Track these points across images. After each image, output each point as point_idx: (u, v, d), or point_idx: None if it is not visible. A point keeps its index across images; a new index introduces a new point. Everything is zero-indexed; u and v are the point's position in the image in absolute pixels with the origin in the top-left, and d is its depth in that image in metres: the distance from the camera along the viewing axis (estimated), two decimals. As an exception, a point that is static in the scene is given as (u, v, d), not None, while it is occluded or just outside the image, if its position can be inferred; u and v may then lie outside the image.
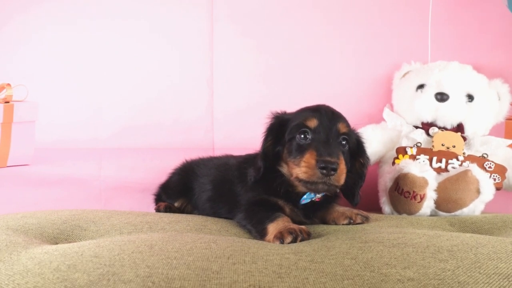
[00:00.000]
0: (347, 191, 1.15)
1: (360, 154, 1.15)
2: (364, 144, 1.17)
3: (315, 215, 1.16)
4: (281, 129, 1.12)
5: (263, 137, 1.15)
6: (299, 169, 1.01)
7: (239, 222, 1.13)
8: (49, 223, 1.04)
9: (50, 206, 1.71)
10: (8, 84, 1.78)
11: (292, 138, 1.08)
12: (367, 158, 1.16)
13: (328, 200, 1.16)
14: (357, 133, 1.17)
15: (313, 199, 1.11)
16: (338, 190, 1.11)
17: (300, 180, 1.02)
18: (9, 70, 1.79)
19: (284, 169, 1.11)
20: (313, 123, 1.06)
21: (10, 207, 1.71)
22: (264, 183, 1.12)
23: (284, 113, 1.17)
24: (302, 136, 1.06)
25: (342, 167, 1.00)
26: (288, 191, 1.10)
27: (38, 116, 1.79)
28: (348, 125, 1.10)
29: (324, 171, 0.96)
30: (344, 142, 1.08)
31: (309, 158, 0.99)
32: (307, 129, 1.06)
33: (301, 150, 1.04)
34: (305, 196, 1.10)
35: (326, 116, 1.07)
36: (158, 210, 1.46)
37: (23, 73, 1.79)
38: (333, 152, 0.99)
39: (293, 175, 1.04)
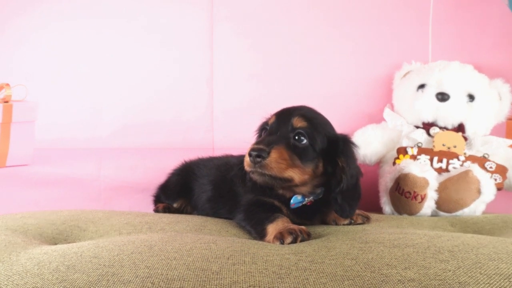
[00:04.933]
0: (332, 200, 1.08)
1: (338, 156, 1.07)
2: (349, 147, 1.10)
3: (314, 217, 1.15)
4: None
5: (255, 138, 1.18)
6: (244, 161, 1.04)
7: (238, 223, 1.13)
8: (48, 224, 1.04)
9: (49, 206, 1.70)
10: (7, 84, 1.78)
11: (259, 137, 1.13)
12: (348, 161, 1.07)
13: (326, 205, 1.13)
14: (342, 135, 1.12)
15: (303, 203, 1.09)
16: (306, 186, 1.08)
17: (248, 173, 1.05)
18: (8, 70, 1.79)
19: None
20: (271, 120, 1.10)
21: (9, 207, 1.71)
22: (261, 187, 1.10)
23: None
24: (262, 133, 1.11)
25: (275, 156, 0.98)
26: (275, 193, 1.10)
27: (38, 116, 1.79)
28: (309, 121, 1.06)
29: (251, 158, 0.99)
30: (302, 138, 1.05)
31: (248, 149, 1.02)
32: (267, 126, 1.10)
33: None
34: (292, 201, 1.08)
35: (287, 113, 1.09)
36: (156, 211, 1.46)
37: (23, 73, 1.79)
38: (266, 142, 1.01)
39: None
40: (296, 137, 1.05)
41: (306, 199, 1.09)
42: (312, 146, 1.06)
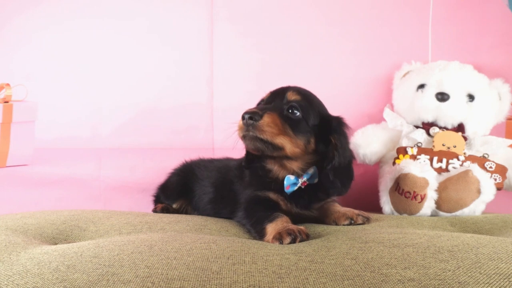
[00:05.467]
0: (323, 176, 1.10)
1: (331, 134, 1.10)
2: (342, 127, 1.13)
3: (311, 207, 1.15)
4: None
5: None
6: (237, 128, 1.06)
7: (239, 221, 1.14)
8: (48, 224, 1.04)
9: (49, 206, 1.71)
10: (8, 84, 1.78)
11: None
12: (341, 139, 1.10)
13: (322, 190, 1.13)
14: (336, 116, 1.15)
15: (298, 185, 1.10)
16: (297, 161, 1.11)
17: (241, 139, 1.07)
18: (9, 70, 1.79)
19: None
20: (266, 95, 1.15)
21: (9, 207, 1.71)
22: (257, 176, 1.15)
23: None
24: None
25: (268, 120, 1.02)
26: (270, 179, 1.12)
27: (38, 116, 1.79)
28: (303, 96, 1.11)
29: (244, 121, 1.02)
30: (295, 111, 1.08)
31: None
32: (262, 101, 1.14)
33: None
34: (285, 182, 1.09)
35: (282, 89, 1.13)
36: (154, 211, 1.46)
37: (23, 73, 1.79)
38: (260, 108, 1.05)
39: None
40: (290, 110, 1.08)
41: (299, 180, 1.10)
42: (305, 120, 1.09)
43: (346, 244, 0.81)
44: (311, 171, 1.11)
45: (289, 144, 1.05)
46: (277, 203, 1.11)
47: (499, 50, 1.73)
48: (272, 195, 1.11)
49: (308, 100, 1.11)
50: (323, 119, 1.12)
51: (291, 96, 1.10)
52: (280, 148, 1.04)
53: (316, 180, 1.12)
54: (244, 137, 1.05)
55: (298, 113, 1.08)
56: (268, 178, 1.13)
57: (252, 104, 1.79)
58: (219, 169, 1.42)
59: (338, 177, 1.08)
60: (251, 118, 1.01)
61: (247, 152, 1.18)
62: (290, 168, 1.11)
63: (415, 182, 1.32)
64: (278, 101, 1.10)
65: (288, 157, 1.08)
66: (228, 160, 1.47)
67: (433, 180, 1.34)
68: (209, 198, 1.38)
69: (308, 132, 1.09)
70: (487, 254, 0.69)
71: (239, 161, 1.34)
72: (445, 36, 1.77)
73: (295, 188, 1.10)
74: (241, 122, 1.03)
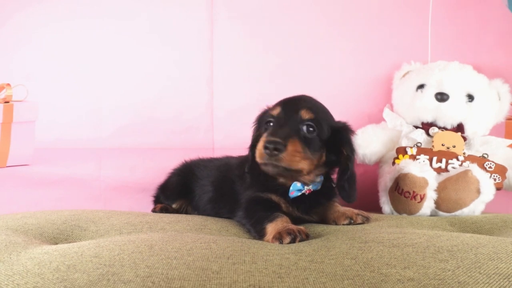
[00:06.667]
0: (339, 187, 1.13)
1: (343, 145, 1.11)
2: (351, 136, 1.14)
3: (312, 211, 1.15)
4: (261, 121, 1.16)
5: (252, 129, 1.20)
6: (256, 152, 1.05)
7: (238, 221, 1.14)
8: (48, 223, 1.04)
9: (50, 206, 1.71)
10: (8, 84, 1.78)
11: (261, 128, 1.13)
12: (352, 149, 1.11)
13: (325, 196, 1.15)
14: (342, 123, 1.15)
15: (302, 191, 1.11)
16: (320, 179, 1.12)
17: (259, 164, 1.05)
18: (9, 70, 1.79)
19: None
20: (276, 111, 1.09)
21: (10, 207, 1.71)
22: (259, 179, 1.13)
23: (269, 107, 1.18)
24: (267, 124, 1.10)
25: (291, 149, 1.00)
26: (275, 184, 1.12)
27: (38, 116, 1.79)
28: (316, 113, 1.08)
29: (268, 151, 0.99)
30: (311, 129, 1.07)
31: (260, 141, 1.03)
32: (271, 117, 1.09)
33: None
34: (291, 188, 1.10)
35: (293, 104, 1.10)
36: (154, 211, 1.46)
37: (23, 73, 1.79)
38: (281, 134, 1.01)
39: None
40: (305, 129, 1.07)
41: (305, 187, 1.10)
42: (319, 137, 1.08)
43: (346, 244, 0.81)
44: (318, 180, 1.13)
45: (307, 165, 1.05)
46: (279, 205, 1.11)
47: (499, 50, 1.73)
48: (274, 198, 1.11)
49: (320, 115, 1.10)
50: (333, 131, 1.12)
51: (306, 115, 1.07)
52: (300, 171, 1.04)
53: (319, 187, 1.13)
54: (265, 164, 1.03)
55: (314, 133, 1.07)
56: (273, 183, 1.12)
57: (252, 103, 1.79)
58: (218, 167, 1.42)
59: (351, 186, 1.10)
60: (276, 149, 0.98)
61: (253, 159, 1.13)
62: (301, 181, 1.11)
63: (414, 182, 1.32)
64: (293, 121, 1.06)
65: (304, 175, 1.08)
66: (228, 158, 1.47)
67: (432, 180, 1.34)
68: (208, 198, 1.38)
69: (321, 147, 1.09)
70: (487, 254, 0.70)
71: (239, 159, 1.34)
72: (445, 36, 1.77)
73: (299, 194, 1.11)
74: (263, 151, 1.00)
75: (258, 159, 1.03)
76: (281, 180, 1.11)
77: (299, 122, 1.06)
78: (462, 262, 0.66)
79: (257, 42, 1.82)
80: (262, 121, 1.15)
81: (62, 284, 0.62)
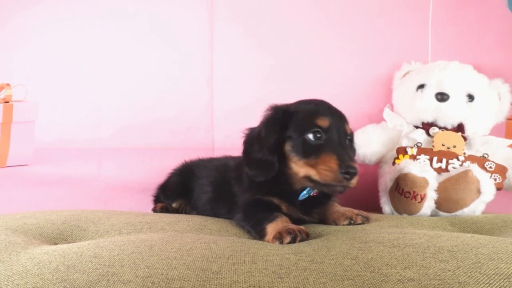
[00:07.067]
0: None
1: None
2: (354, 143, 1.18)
3: (312, 212, 1.15)
4: (283, 122, 1.08)
5: (266, 130, 1.09)
6: (315, 170, 1.00)
7: (238, 223, 1.13)
8: (48, 224, 1.04)
9: (49, 206, 1.70)
10: (8, 84, 1.78)
11: (300, 136, 1.05)
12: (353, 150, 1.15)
13: (325, 196, 1.15)
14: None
15: (311, 194, 1.11)
16: None
17: (313, 181, 1.02)
18: (8, 70, 1.79)
19: (288, 166, 1.08)
20: (325, 123, 1.04)
21: (9, 207, 1.71)
22: (258, 182, 1.11)
23: (285, 106, 1.12)
24: (314, 135, 1.03)
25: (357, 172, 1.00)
26: (285, 189, 1.10)
27: (38, 116, 1.79)
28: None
29: (348, 176, 0.96)
30: (353, 144, 1.12)
31: (330, 161, 0.98)
32: (319, 129, 1.03)
33: (315, 150, 1.02)
34: (304, 192, 1.10)
35: (336, 115, 1.08)
36: (154, 211, 1.46)
37: (23, 73, 1.79)
38: (351, 156, 1.03)
39: (302, 174, 1.04)
40: (349, 144, 1.09)
41: (315, 190, 1.11)
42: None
43: (346, 244, 0.81)
44: None
45: None
46: (279, 207, 1.10)
47: (499, 50, 1.73)
48: (276, 201, 1.11)
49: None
50: None
51: (348, 129, 1.09)
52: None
53: None
54: (328, 185, 1.00)
55: (353, 147, 1.12)
56: (276, 187, 1.10)
57: (252, 103, 1.79)
58: (217, 168, 1.42)
59: None
60: (356, 174, 0.97)
61: (280, 164, 1.09)
62: None
63: (415, 182, 1.32)
64: (343, 137, 1.06)
65: None
66: (227, 158, 1.47)
67: (433, 180, 1.34)
68: (207, 198, 1.38)
69: None
70: (487, 254, 0.69)
71: (237, 160, 1.33)
72: (445, 36, 1.77)
73: (306, 196, 1.11)
74: (339, 175, 0.96)
75: (319, 178, 0.99)
76: (298, 186, 1.10)
77: (345, 138, 1.07)
78: (463, 262, 0.66)
79: (257, 42, 1.82)
80: (284, 125, 1.08)
81: (62, 285, 0.62)
